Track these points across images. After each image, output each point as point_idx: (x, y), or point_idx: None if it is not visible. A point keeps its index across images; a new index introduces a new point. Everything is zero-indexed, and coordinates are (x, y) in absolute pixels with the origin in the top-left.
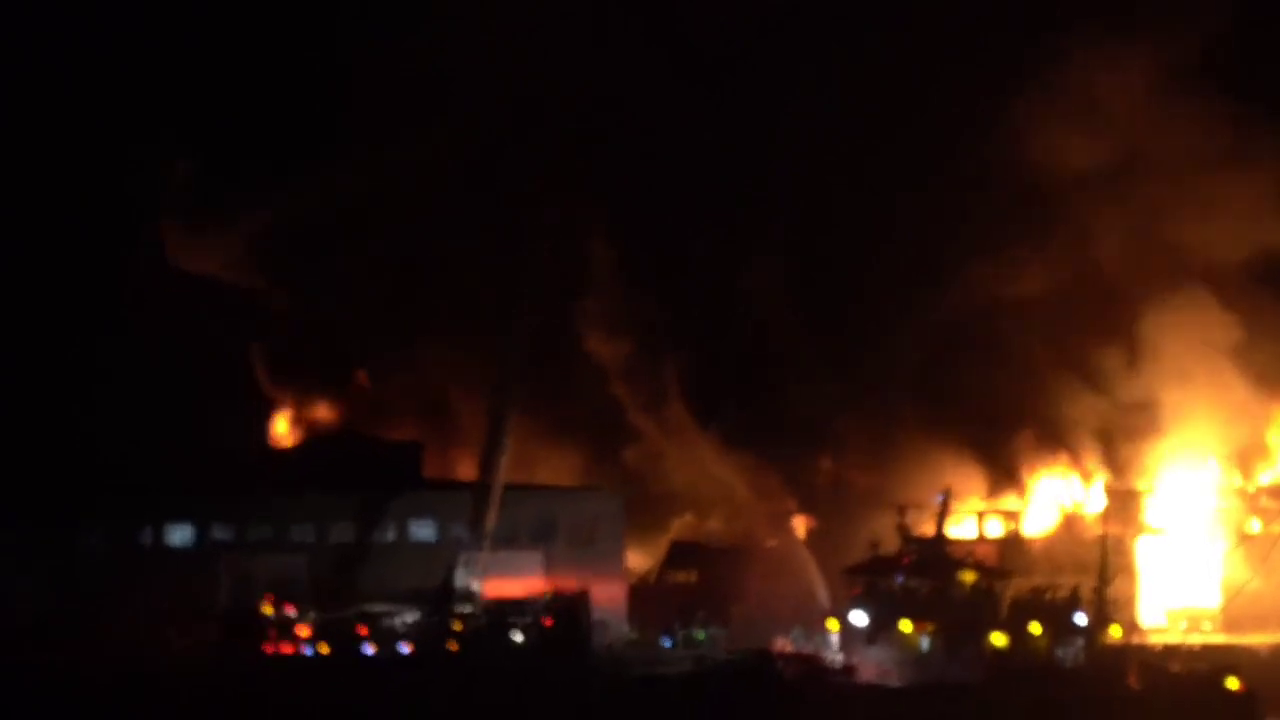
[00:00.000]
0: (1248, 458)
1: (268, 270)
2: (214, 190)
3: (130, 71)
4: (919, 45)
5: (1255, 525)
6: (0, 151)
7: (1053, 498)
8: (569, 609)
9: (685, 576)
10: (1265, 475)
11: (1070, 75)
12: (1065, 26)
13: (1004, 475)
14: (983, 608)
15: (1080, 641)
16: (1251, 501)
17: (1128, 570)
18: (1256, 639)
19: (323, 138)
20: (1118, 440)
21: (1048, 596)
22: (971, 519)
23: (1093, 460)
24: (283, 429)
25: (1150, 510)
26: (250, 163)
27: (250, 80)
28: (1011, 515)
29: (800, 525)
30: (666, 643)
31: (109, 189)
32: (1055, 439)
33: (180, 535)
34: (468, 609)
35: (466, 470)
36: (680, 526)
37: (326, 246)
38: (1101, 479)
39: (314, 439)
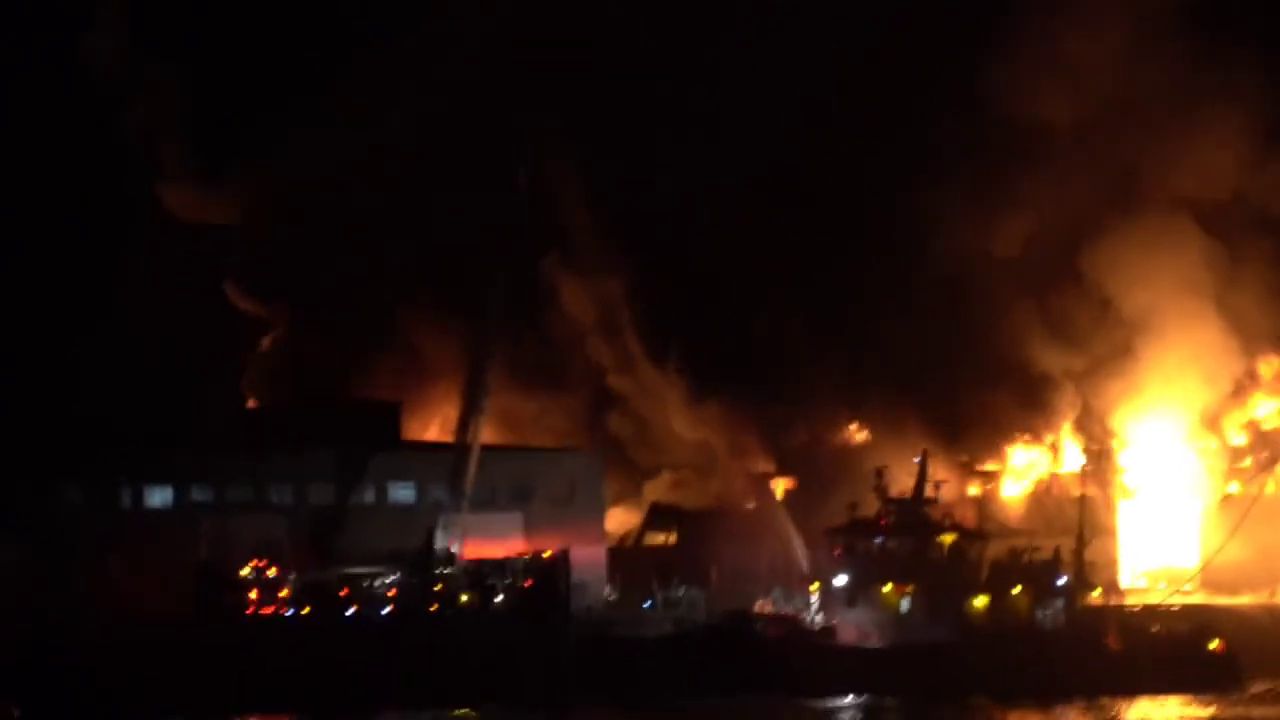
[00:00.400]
0: (1223, 416)
1: (249, 229)
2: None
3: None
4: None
5: (1233, 486)
6: None
7: (1030, 459)
8: (548, 571)
9: (665, 538)
10: (1241, 436)
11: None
12: None
13: (981, 436)
14: (962, 569)
15: (1060, 603)
16: (1229, 461)
17: (1107, 532)
18: (1236, 600)
19: (312, 89)
20: (1092, 398)
21: (1027, 558)
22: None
23: (1069, 421)
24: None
25: (1128, 472)
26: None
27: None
28: (990, 476)
29: (779, 487)
30: (646, 604)
31: (92, 150)
32: (1031, 399)
33: (160, 496)
34: (448, 571)
35: (445, 431)
36: (659, 488)
37: (308, 205)
38: (1078, 440)
39: (292, 399)
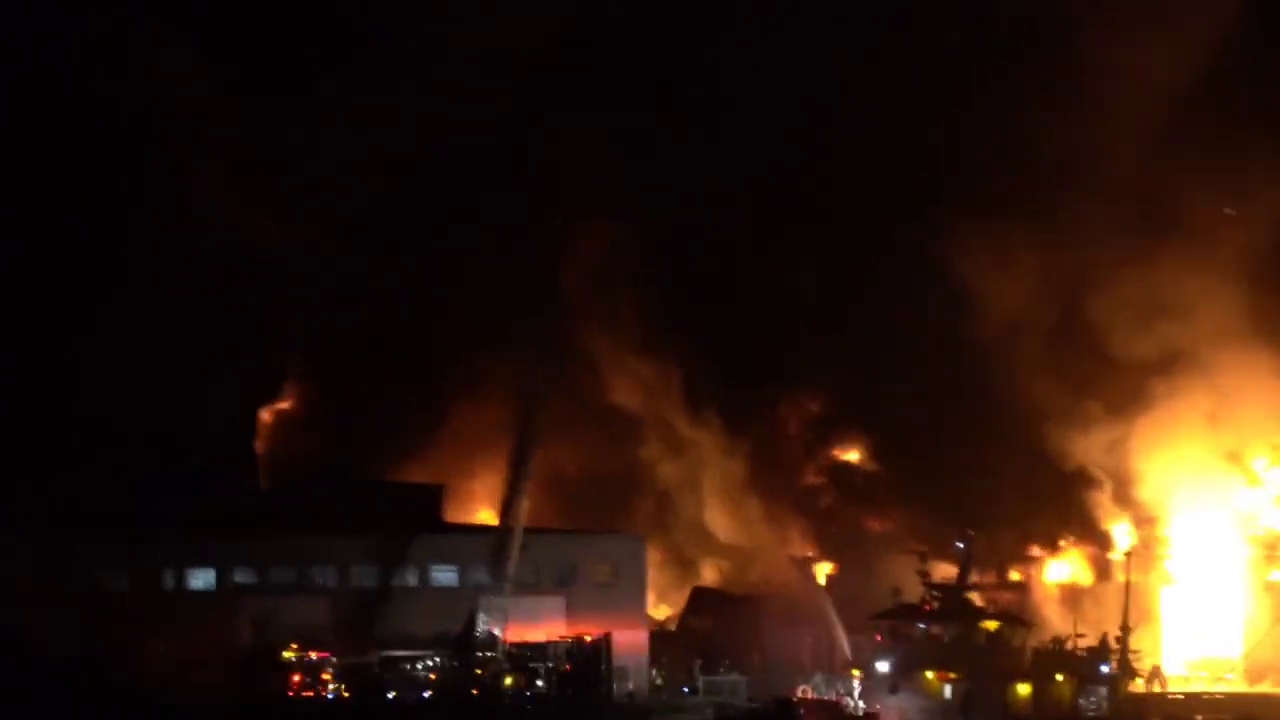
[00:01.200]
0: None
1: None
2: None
3: None
4: None
5: (1277, 575)
6: None
7: (1074, 547)
8: (590, 654)
9: (706, 623)
10: None
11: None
12: None
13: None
14: (1006, 656)
15: (1103, 691)
16: (1272, 550)
17: (1150, 619)
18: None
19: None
20: (1136, 490)
21: (1070, 646)
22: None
23: (1113, 511)
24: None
25: (1171, 559)
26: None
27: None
28: (1033, 564)
29: (820, 571)
30: (686, 689)
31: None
32: (1071, 489)
33: (202, 579)
34: (490, 654)
35: (488, 516)
36: (702, 573)
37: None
38: (1123, 528)
39: (335, 482)
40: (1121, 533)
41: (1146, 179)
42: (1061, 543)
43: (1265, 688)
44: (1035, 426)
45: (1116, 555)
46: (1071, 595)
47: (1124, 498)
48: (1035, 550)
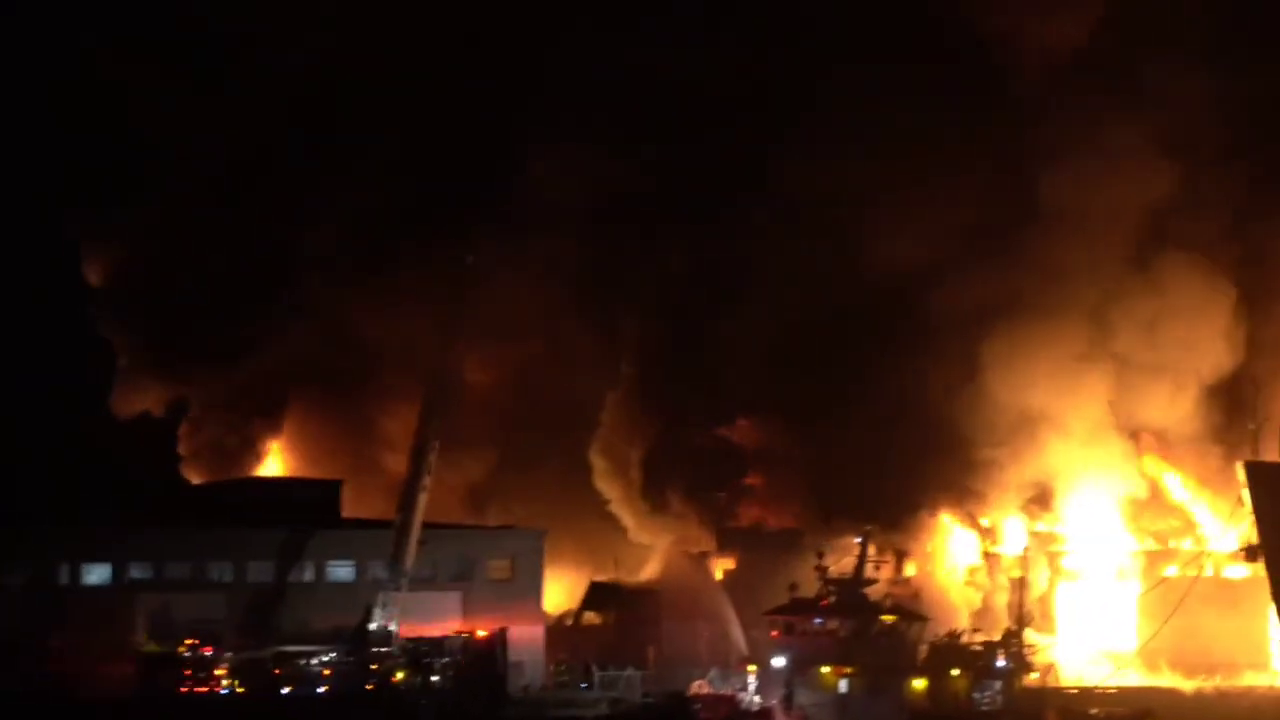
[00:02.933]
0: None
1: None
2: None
3: None
4: None
5: (1172, 570)
6: None
7: (969, 541)
8: (485, 650)
9: (603, 617)
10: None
11: None
12: None
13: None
14: (902, 651)
15: (999, 685)
16: (1165, 544)
17: (1045, 614)
18: (1174, 682)
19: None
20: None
21: (965, 640)
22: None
23: (1008, 504)
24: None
25: (1067, 554)
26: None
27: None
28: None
29: (718, 567)
30: (583, 685)
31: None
32: (969, 482)
33: (98, 574)
34: (386, 649)
35: (386, 509)
36: (597, 567)
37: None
38: (1018, 521)
39: (232, 477)
40: (1016, 528)
41: None
42: (956, 535)
43: (1160, 681)
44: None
45: (1011, 550)
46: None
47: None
48: (930, 544)
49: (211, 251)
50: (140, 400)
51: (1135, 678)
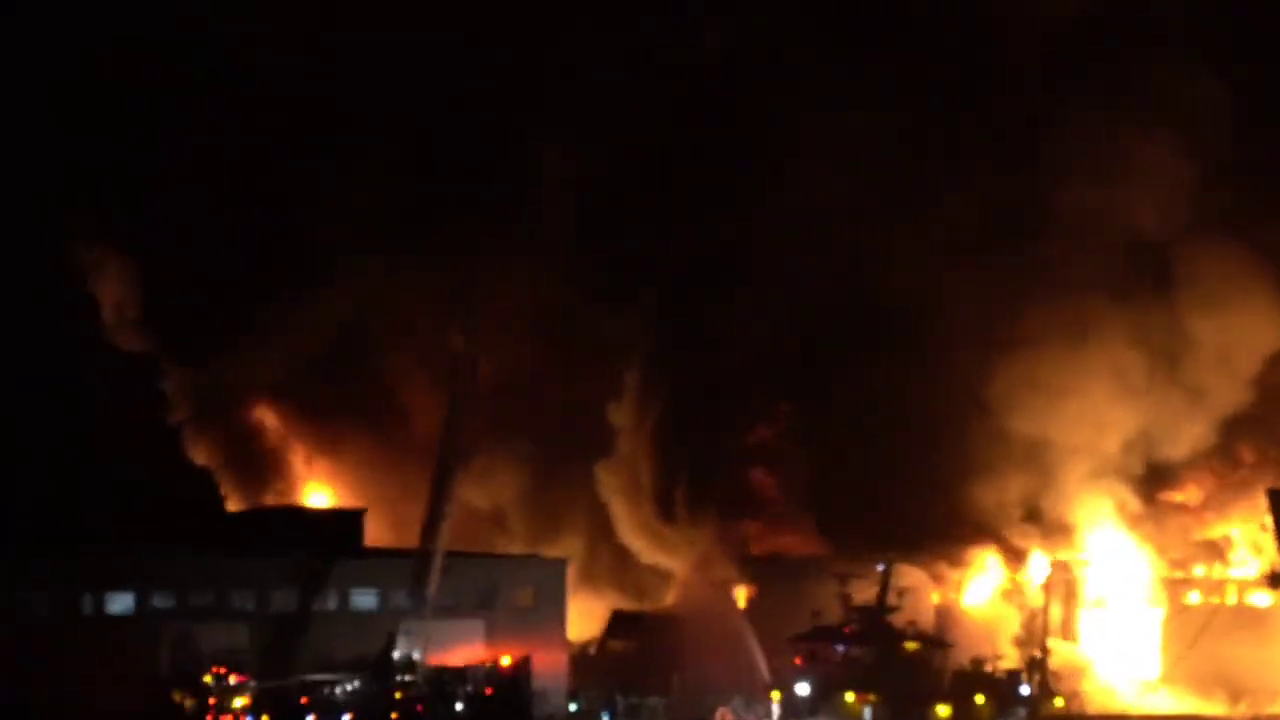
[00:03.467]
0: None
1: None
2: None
3: None
4: None
5: (1194, 596)
6: None
7: (992, 569)
8: (509, 678)
9: (626, 645)
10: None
11: None
12: None
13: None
14: (926, 678)
15: (1023, 712)
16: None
17: (1070, 641)
18: (1199, 708)
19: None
20: (1052, 514)
21: (990, 667)
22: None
23: (1030, 534)
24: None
25: (1089, 581)
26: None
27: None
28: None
29: (741, 594)
30: (605, 714)
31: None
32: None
33: (121, 603)
34: (409, 678)
35: (410, 539)
36: (622, 595)
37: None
38: (1041, 551)
39: (255, 506)
40: (1039, 558)
41: None
42: (979, 564)
43: (1185, 708)
44: (950, 447)
45: (1034, 579)
46: (991, 617)
47: (1040, 522)
48: (955, 573)
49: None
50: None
51: (1161, 703)
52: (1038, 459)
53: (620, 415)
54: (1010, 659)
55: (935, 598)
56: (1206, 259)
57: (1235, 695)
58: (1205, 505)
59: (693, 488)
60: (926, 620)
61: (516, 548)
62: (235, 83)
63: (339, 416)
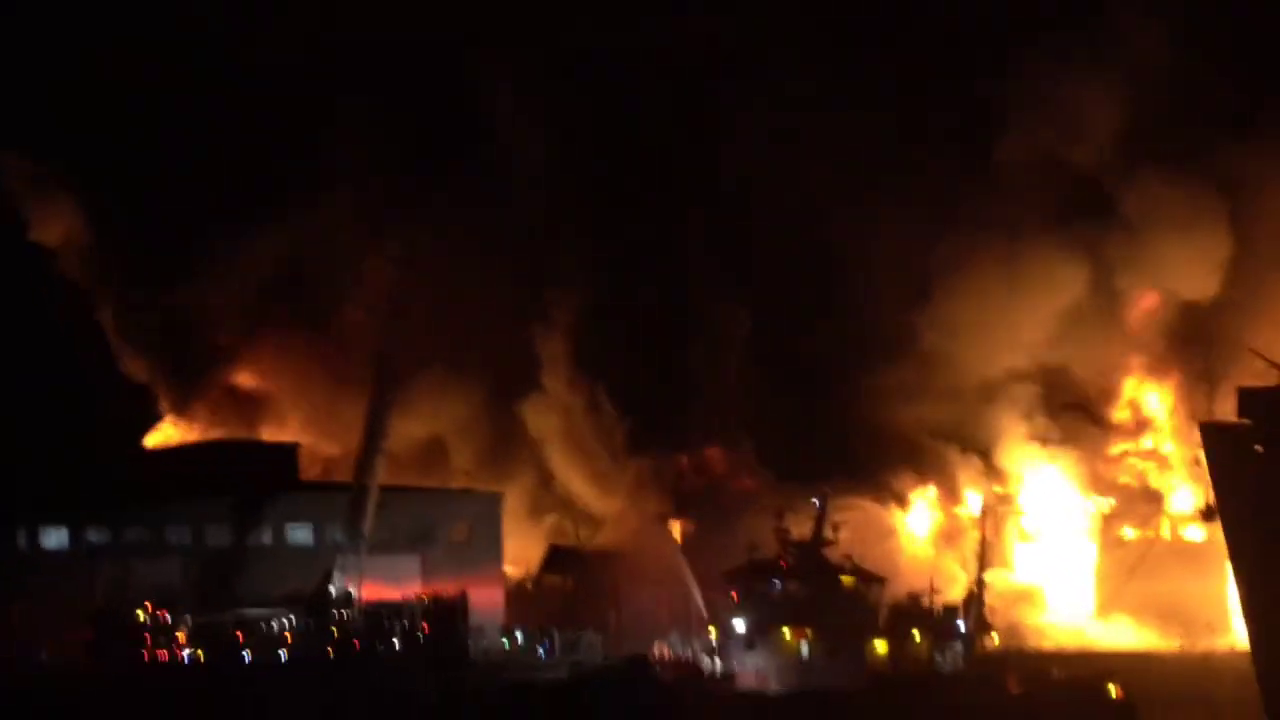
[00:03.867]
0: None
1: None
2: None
3: None
4: None
5: (1129, 532)
6: None
7: (928, 504)
8: (446, 613)
9: (563, 581)
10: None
11: None
12: None
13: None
14: (862, 613)
15: (960, 647)
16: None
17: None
18: (1135, 645)
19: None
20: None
21: (927, 602)
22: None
23: (967, 469)
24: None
25: (1025, 516)
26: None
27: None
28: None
29: (676, 529)
30: (541, 648)
31: None
32: (928, 448)
33: (56, 538)
34: (345, 613)
35: (345, 473)
36: (557, 530)
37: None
38: (976, 488)
39: (189, 442)
40: (974, 491)
41: None
42: (915, 500)
43: (1121, 642)
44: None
45: (970, 512)
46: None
47: (975, 455)
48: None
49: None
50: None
51: (1098, 635)
52: (968, 389)
53: (549, 345)
54: (949, 594)
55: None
56: (1137, 195)
57: (1170, 628)
58: (1136, 436)
59: (626, 420)
60: (877, 552)
61: (460, 481)
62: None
63: (278, 346)
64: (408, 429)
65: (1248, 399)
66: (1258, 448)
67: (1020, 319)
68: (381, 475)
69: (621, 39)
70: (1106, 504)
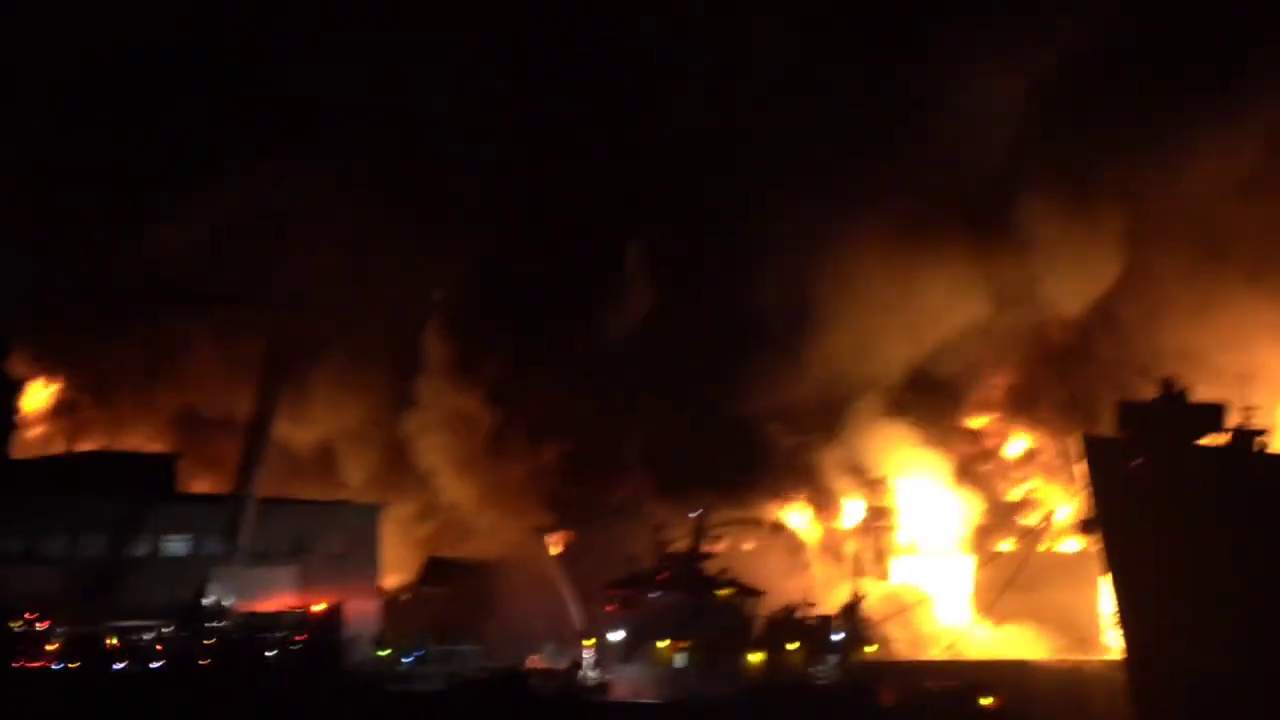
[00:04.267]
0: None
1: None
2: None
3: None
4: None
5: (1005, 545)
6: None
7: (805, 516)
8: (322, 624)
9: (440, 592)
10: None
11: None
12: None
13: (759, 494)
14: (739, 625)
15: (835, 658)
16: (1002, 519)
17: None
18: (1008, 655)
19: None
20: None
21: (801, 614)
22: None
23: (843, 481)
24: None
25: (901, 529)
26: None
27: None
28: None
29: (555, 541)
30: (410, 657)
31: None
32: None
33: None
34: (220, 624)
35: (222, 484)
36: (435, 541)
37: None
38: (854, 498)
39: (66, 450)
40: (851, 503)
41: None
42: (791, 511)
43: (996, 653)
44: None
45: (846, 524)
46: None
47: (851, 466)
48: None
49: None
50: None
51: (974, 645)
52: (840, 397)
53: (433, 343)
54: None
55: (748, 545)
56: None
57: (1046, 638)
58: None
59: (505, 425)
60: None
61: (345, 492)
62: None
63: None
64: (297, 435)
65: (1128, 412)
66: (1135, 462)
67: (899, 322)
68: (259, 486)
69: None
70: (979, 510)
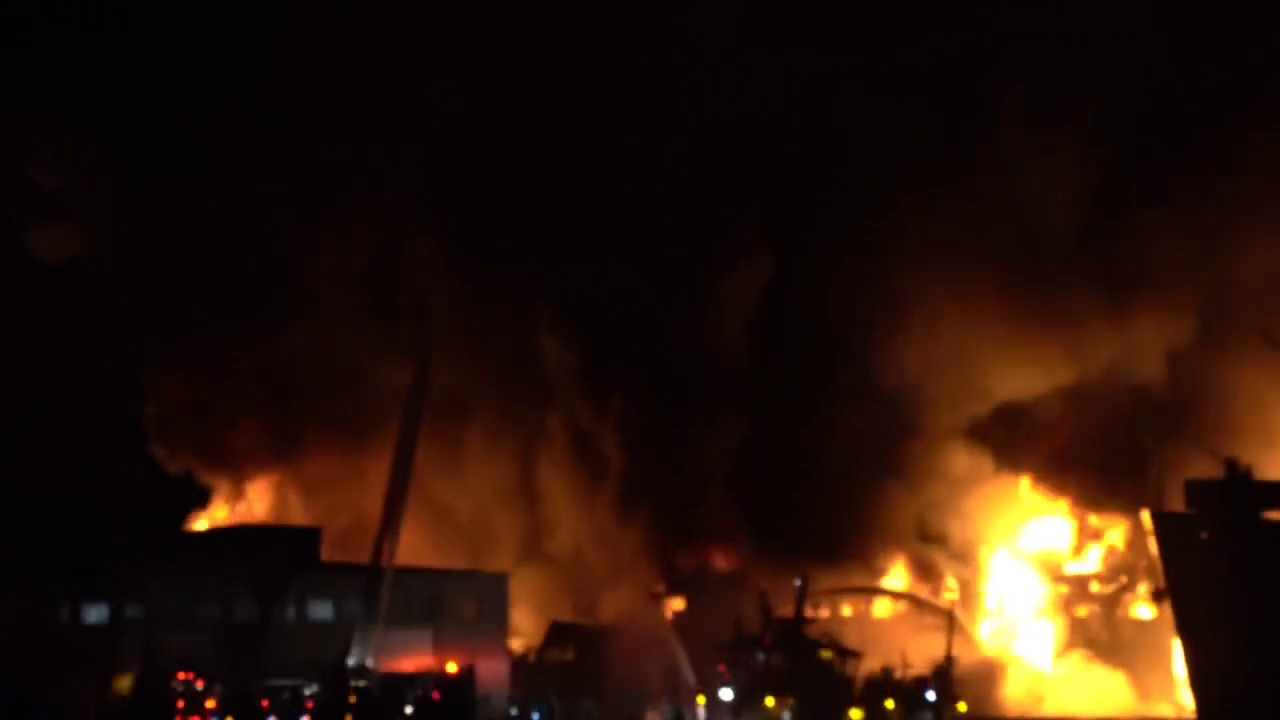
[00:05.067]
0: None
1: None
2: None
3: None
4: None
5: (1084, 611)
6: None
7: (900, 583)
8: (455, 684)
9: (563, 654)
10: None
11: None
12: None
13: (856, 562)
14: (839, 684)
15: (929, 716)
16: (1080, 587)
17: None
18: (1088, 712)
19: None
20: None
21: (898, 674)
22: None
23: (935, 552)
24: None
25: (989, 595)
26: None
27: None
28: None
29: (669, 607)
30: (537, 715)
31: None
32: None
33: (96, 613)
34: (362, 683)
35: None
36: (559, 606)
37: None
38: (945, 568)
39: (220, 526)
40: (945, 570)
41: None
42: (891, 581)
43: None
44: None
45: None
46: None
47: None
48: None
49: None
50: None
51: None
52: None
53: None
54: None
55: (847, 610)
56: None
57: (1120, 701)
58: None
59: (628, 503)
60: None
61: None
62: None
63: (305, 439)
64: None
65: (1195, 490)
66: (1203, 535)
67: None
68: (398, 553)
69: None
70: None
